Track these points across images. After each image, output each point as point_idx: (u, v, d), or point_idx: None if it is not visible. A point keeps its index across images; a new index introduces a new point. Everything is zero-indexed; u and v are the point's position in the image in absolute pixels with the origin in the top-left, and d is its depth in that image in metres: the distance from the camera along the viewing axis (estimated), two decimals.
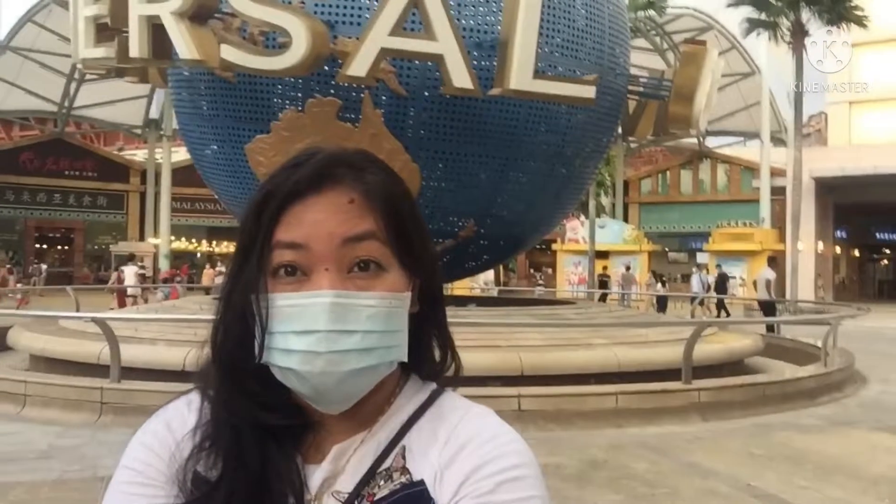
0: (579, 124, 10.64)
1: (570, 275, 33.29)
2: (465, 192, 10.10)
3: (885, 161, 30.37)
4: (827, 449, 6.64)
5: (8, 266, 30.48)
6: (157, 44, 8.90)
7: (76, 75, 33.39)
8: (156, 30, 8.83)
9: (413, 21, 8.71)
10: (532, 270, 43.96)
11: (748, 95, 34.94)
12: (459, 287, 21.34)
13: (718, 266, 26.54)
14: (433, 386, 0.95)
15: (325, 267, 0.84)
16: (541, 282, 36.99)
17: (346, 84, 9.04)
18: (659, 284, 24.23)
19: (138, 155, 44.08)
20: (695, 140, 37.26)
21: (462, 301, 12.40)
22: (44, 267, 31.30)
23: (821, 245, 34.16)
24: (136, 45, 8.94)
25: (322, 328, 0.82)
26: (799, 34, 24.56)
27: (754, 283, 19.92)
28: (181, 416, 0.92)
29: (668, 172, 41.49)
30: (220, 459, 0.86)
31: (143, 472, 0.88)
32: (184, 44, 8.70)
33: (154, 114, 37.73)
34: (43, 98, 35.40)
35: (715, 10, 32.08)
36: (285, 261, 0.85)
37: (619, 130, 12.95)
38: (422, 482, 0.86)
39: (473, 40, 9.38)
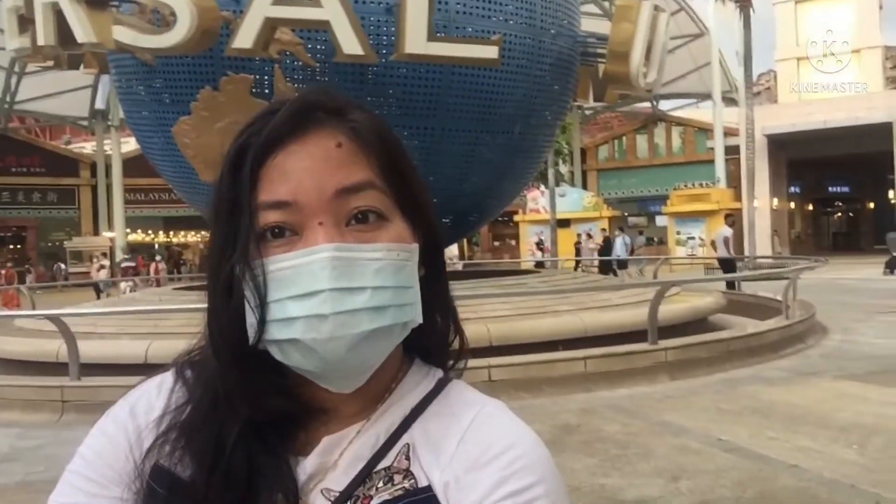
0: (520, 89, 10.19)
1: (533, 245, 33.49)
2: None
3: (834, 115, 30.93)
4: (794, 400, 6.74)
5: (9, 265, 29.93)
6: (62, 31, 8.90)
7: (16, 68, 32.41)
8: (59, 17, 8.84)
9: None
10: (496, 243, 44.11)
11: (698, 57, 35.27)
12: None
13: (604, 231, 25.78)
14: (439, 373, 0.85)
15: (318, 221, 0.73)
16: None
17: (257, 59, 8.80)
18: (539, 252, 23.45)
19: (87, 147, 43.03)
20: (648, 104, 37.51)
21: None
22: (63, 266, 30.91)
23: (776, 201, 34.77)
24: (42, 33, 9.01)
25: (325, 287, 0.72)
26: None
27: (712, 243, 20.19)
28: (148, 400, 0.82)
29: (623, 138, 41.81)
30: (191, 454, 0.76)
31: (93, 462, 0.79)
32: (80, 27, 8.74)
33: (100, 104, 36.81)
34: None
35: None
36: (271, 222, 0.74)
37: (591, 96, 12.59)
38: (429, 488, 0.76)
39: (383, 6, 9.14)
